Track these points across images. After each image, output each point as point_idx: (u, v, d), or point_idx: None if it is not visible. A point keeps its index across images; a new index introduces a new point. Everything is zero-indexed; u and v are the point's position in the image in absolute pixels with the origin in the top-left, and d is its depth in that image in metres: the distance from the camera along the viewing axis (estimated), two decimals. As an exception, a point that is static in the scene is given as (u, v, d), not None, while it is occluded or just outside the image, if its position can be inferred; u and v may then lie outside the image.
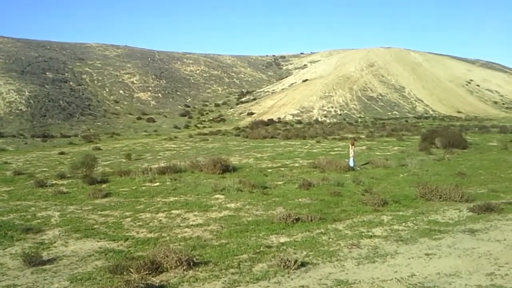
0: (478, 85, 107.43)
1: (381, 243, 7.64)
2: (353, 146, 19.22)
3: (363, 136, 39.48)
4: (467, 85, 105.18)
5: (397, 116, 78.49)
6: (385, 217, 9.57)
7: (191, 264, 6.73)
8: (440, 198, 11.11)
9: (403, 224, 8.84)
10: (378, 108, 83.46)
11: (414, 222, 8.97)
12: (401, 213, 9.95)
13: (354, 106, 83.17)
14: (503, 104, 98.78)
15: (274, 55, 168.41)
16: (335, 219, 9.60)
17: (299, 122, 71.58)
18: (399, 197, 11.70)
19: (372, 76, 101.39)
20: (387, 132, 41.65)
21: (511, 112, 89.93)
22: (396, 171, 17.26)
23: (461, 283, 5.49)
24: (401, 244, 7.46)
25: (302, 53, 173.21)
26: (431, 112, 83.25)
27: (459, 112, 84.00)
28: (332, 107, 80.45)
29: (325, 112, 78.08)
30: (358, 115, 78.12)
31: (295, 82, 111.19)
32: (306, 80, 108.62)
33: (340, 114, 76.83)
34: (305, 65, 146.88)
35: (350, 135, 40.55)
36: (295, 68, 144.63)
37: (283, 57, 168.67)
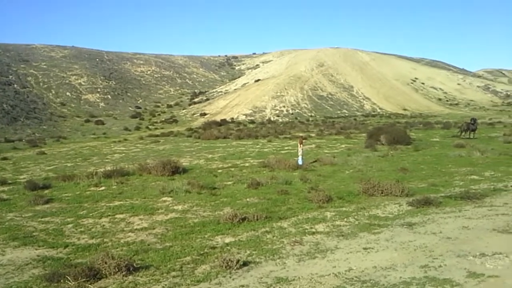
0: (423, 83, 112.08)
1: (323, 239, 7.79)
2: (301, 145, 19.51)
3: (313, 135, 40.20)
4: (412, 83, 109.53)
5: (346, 114, 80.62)
6: (329, 213, 9.77)
7: (131, 269, 6.58)
8: (382, 193, 11.47)
9: (345, 219, 9.06)
10: (328, 107, 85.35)
11: (356, 217, 9.22)
12: (344, 209, 10.19)
13: (305, 105, 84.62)
14: (446, 100, 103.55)
15: (226, 55, 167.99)
16: (280, 217, 9.69)
17: (252, 122, 71.88)
18: (343, 193, 11.98)
19: (322, 76, 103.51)
20: (336, 130, 42.67)
21: (455, 108, 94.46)
22: (342, 168, 17.69)
23: (396, 275, 5.69)
24: (341, 239, 7.64)
25: (254, 53, 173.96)
26: (378, 110, 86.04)
27: (405, 109, 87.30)
28: (284, 106, 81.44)
29: (277, 112, 78.92)
30: (309, 114, 79.55)
31: (248, 82, 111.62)
32: (259, 80, 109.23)
33: (292, 113, 77.95)
34: (257, 65, 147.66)
35: (301, 134, 41.12)
36: (248, 68, 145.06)
37: (235, 57, 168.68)
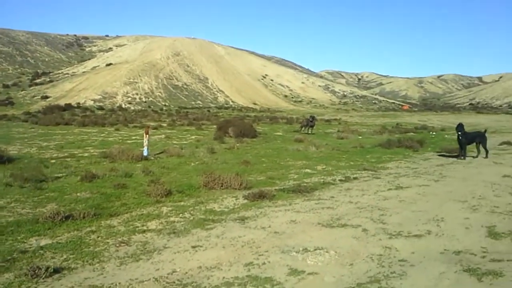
0: (272, 80, 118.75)
1: (153, 237, 7.32)
2: (147, 135, 18.69)
3: (164, 125, 39.35)
4: (262, 79, 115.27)
5: (201, 105, 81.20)
6: (165, 208, 9.33)
7: None
8: (222, 186, 11.44)
9: (180, 215, 8.73)
10: (183, 97, 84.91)
11: (192, 212, 8.95)
12: (182, 203, 9.85)
13: (160, 94, 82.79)
14: (292, 97, 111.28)
15: (76, 35, 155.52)
16: (111, 214, 8.94)
17: (101, 108, 67.81)
18: (184, 187, 11.65)
19: (178, 65, 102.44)
20: (188, 121, 42.43)
21: (298, 105, 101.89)
22: (188, 160, 17.40)
23: (219, 276, 5.51)
24: (172, 237, 7.27)
25: (107, 36, 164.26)
26: (231, 103, 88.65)
27: (255, 103, 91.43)
28: (137, 94, 78.48)
29: (129, 99, 75.68)
30: (163, 103, 78.03)
31: (99, 66, 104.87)
32: (110, 64, 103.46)
33: (145, 102, 75.57)
34: (110, 48, 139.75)
35: (152, 123, 39.98)
36: (100, 51, 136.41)
37: (86, 38, 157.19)
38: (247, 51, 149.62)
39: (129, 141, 24.12)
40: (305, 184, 12.16)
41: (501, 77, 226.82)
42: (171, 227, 7.92)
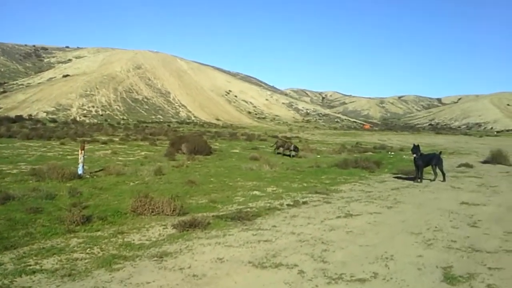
0: (236, 96, 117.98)
1: (40, 281, 5.89)
2: (82, 151, 17.06)
3: (116, 139, 37.43)
4: (226, 95, 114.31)
5: (161, 120, 79.12)
6: (76, 240, 7.89)
7: None
8: (152, 212, 10.08)
9: (89, 250, 7.31)
10: (143, 111, 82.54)
11: (104, 246, 7.55)
12: (98, 233, 8.43)
13: (118, 108, 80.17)
14: (255, 114, 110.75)
15: (35, 46, 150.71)
16: (7, 247, 7.42)
17: (54, 120, 64.81)
18: (110, 212, 10.21)
19: (138, 79, 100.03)
20: (143, 136, 40.65)
21: (262, 121, 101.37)
22: (128, 179, 15.90)
23: None
24: (65, 282, 5.87)
25: (67, 47, 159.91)
26: (193, 118, 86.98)
27: (218, 119, 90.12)
28: (93, 106, 75.64)
29: (85, 112, 72.80)
30: (121, 117, 75.49)
31: (55, 77, 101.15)
32: (67, 75, 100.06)
33: (102, 115, 72.82)
34: (69, 59, 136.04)
35: (104, 137, 38.08)
36: (59, 62, 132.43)
37: (45, 48, 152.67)
38: (211, 66, 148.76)
39: (69, 157, 22.27)
40: (248, 209, 10.97)
41: (459, 99, 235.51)
42: (70, 266, 6.50)
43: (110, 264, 6.57)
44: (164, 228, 8.85)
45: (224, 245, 7.59)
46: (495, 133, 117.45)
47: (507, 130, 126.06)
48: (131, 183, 15.03)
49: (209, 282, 5.84)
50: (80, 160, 16.75)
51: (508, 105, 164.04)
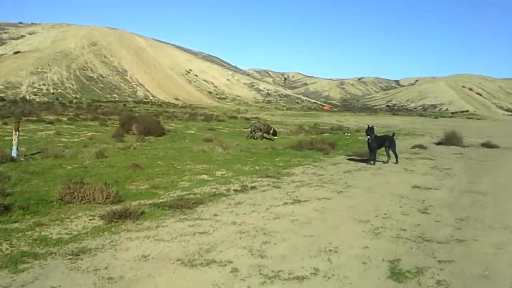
0: (196, 75, 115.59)
1: None
2: (17, 132, 15.70)
3: (65, 119, 35.54)
4: (186, 74, 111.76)
5: (117, 99, 76.40)
6: (-14, 235, 6.90)
7: None
8: (82, 200, 9.14)
9: (-5, 247, 6.36)
10: (98, 90, 79.39)
11: (17, 241, 6.60)
12: (15, 225, 7.46)
13: (71, 86, 76.75)
14: (216, 94, 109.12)
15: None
16: None
17: (2, 99, 61.32)
18: (35, 200, 9.18)
19: (93, 56, 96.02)
20: (92, 116, 38.81)
21: (222, 102, 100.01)
22: (67, 162, 14.73)
23: None
24: (-49, 290, 4.95)
25: (21, 23, 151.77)
26: (151, 98, 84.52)
27: (177, 99, 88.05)
28: (44, 84, 72.00)
29: (35, 90, 69.21)
30: (74, 96, 72.33)
31: (6, 54, 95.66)
32: (18, 52, 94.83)
33: (53, 93, 69.44)
34: (22, 35, 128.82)
35: (51, 117, 36.11)
36: (11, 38, 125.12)
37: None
38: (172, 44, 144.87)
39: (7, 138, 20.65)
40: (192, 195, 10.23)
41: (416, 80, 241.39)
42: (-34, 268, 5.56)
43: (15, 264, 5.68)
44: (90, 220, 7.96)
45: (154, 239, 6.82)
46: (450, 114, 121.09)
47: (462, 112, 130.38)
48: (69, 167, 13.91)
49: (124, 286, 5.07)
50: (15, 142, 15.41)
51: (463, 87, 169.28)
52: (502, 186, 12.55)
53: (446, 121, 74.67)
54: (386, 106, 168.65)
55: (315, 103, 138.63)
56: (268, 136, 26.99)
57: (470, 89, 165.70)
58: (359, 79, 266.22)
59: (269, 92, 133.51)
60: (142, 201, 9.49)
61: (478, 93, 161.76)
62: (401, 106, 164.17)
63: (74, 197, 9.16)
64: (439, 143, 25.42)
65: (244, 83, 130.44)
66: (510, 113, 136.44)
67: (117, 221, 7.73)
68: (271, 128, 28.39)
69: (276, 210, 8.85)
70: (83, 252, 6.20)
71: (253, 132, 27.42)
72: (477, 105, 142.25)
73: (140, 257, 6.00)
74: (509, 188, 12.23)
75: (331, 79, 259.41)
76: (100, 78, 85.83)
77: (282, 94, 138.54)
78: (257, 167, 15.24)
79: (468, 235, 7.39)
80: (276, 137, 27.24)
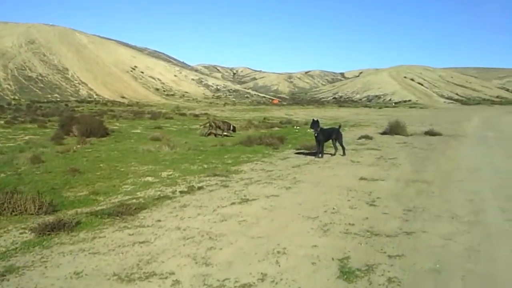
0: (142, 72, 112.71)
1: None
2: None
3: (1, 122, 33.43)
4: (131, 71, 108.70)
5: (58, 99, 73.04)
6: None
7: None
8: (13, 211, 8.41)
9: None
10: (37, 90, 75.53)
11: None
12: None
13: (9, 87, 72.58)
14: (164, 91, 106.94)
15: None
16: None
17: None
18: (-42, 215, 8.35)
19: (32, 54, 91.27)
20: (31, 118, 36.77)
21: (171, 98, 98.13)
22: (0, 169, 13.70)
23: None
24: None
25: None
26: (95, 96, 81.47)
27: (123, 97, 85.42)
28: (-22, 86, 67.63)
29: (-32, 92, 64.83)
30: (12, 97, 68.41)
31: None
32: None
33: (-12, 95, 65.42)
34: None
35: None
36: None
37: None
38: (114, 40, 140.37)
39: None
40: (134, 200, 9.71)
41: (361, 72, 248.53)
42: None
43: None
44: (21, 233, 7.29)
45: (88, 252, 6.30)
46: (394, 104, 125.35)
47: (405, 101, 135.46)
48: (2, 175, 12.92)
49: (53, 309, 4.58)
50: None
51: (405, 77, 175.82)
52: (446, 173, 12.87)
53: (390, 111, 77.16)
54: (333, 98, 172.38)
55: (264, 97, 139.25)
56: (229, 134, 26.39)
57: (412, 79, 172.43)
58: (306, 72, 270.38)
59: (218, 87, 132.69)
60: (79, 210, 8.87)
61: (419, 83, 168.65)
62: (347, 98, 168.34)
63: (4, 209, 8.42)
64: (383, 133, 26.00)
65: (192, 79, 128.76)
66: (451, 101, 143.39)
67: (49, 234, 7.13)
68: (231, 124, 27.87)
69: (223, 211, 8.53)
70: (10, 271, 5.61)
71: (214, 129, 26.27)
72: (419, 95, 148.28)
73: (72, 274, 5.49)
74: (453, 175, 12.55)
75: (279, 73, 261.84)
76: (40, 78, 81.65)
77: (231, 89, 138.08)
78: (205, 166, 14.83)
79: (416, 226, 7.40)
80: (235, 133, 26.82)
